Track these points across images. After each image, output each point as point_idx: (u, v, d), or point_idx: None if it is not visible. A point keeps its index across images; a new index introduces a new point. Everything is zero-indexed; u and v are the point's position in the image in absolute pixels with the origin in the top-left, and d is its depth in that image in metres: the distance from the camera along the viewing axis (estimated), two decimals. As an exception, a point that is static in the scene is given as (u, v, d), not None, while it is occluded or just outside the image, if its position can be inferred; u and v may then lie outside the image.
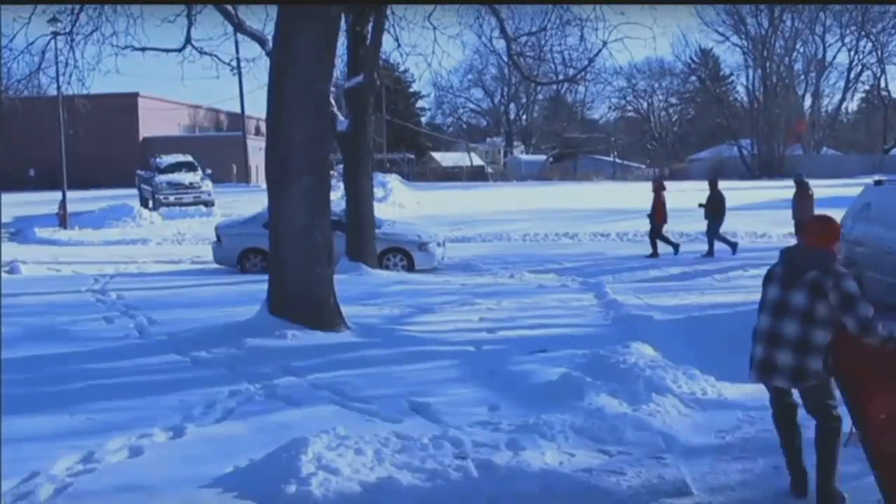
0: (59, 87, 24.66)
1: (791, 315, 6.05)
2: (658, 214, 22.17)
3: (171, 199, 37.71)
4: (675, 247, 22.19)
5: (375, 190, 24.01)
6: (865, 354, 5.95)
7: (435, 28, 19.39)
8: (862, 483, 6.51)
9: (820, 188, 42.48)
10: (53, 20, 19.81)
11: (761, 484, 6.74)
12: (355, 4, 17.13)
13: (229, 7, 18.46)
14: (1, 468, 6.73)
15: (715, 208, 21.88)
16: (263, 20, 18.72)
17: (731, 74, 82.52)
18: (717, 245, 21.89)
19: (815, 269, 6.01)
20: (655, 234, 22.22)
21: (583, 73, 24.53)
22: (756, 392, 9.11)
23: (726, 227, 22.67)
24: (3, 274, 19.62)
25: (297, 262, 12.16)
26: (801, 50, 73.08)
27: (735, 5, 69.39)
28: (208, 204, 37.47)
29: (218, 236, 20.95)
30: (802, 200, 21.53)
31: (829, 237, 6.26)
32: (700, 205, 22.21)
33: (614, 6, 17.98)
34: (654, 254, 21.96)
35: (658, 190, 22.57)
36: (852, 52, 73.46)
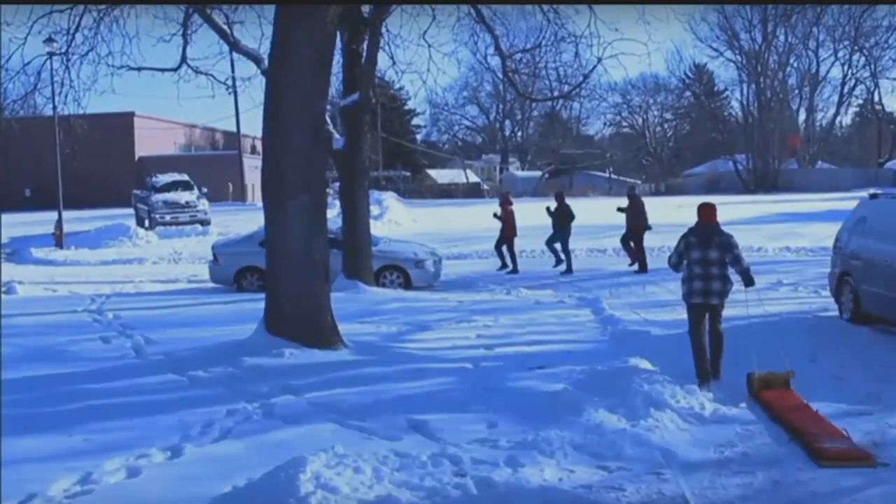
0: (54, 107, 24.65)
1: (713, 263, 10.28)
2: (509, 228, 23.08)
3: (168, 218, 37.71)
4: (504, 266, 22.96)
5: (371, 208, 24.01)
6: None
7: (430, 46, 19.41)
8: (861, 495, 6.54)
9: (816, 202, 42.80)
10: (49, 40, 19.80)
11: (760, 498, 6.73)
12: (351, 4, 17.13)
13: (225, 26, 18.51)
14: (1, 490, 6.72)
15: (562, 221, 22.69)
16: (259, 39, 18.70)
17: (726, 90, 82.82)
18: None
19: (718, 236, 10.34)
20: (500, 245, 23.16)
21: (578, 90, 24.58)
22: (755, 407, 9.15)
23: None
24: (0, 295, 19.58)
25: (295, 280, 12.15)
26: (795, 65, 73.33)
27: (728, 22, 69.83)
28: (205, 223, 37.48)
29: (214, 255, 20.92)
30: (635, 209, 22.48)
31: (716, 216, 10.53)
32: (548, 211, 23.05)
33: (609, 22, 18.02)
34: (513, 269, 22.77)
35: (505, 205, 23.55)
36: (845, 67, 73.73)
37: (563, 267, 22.37)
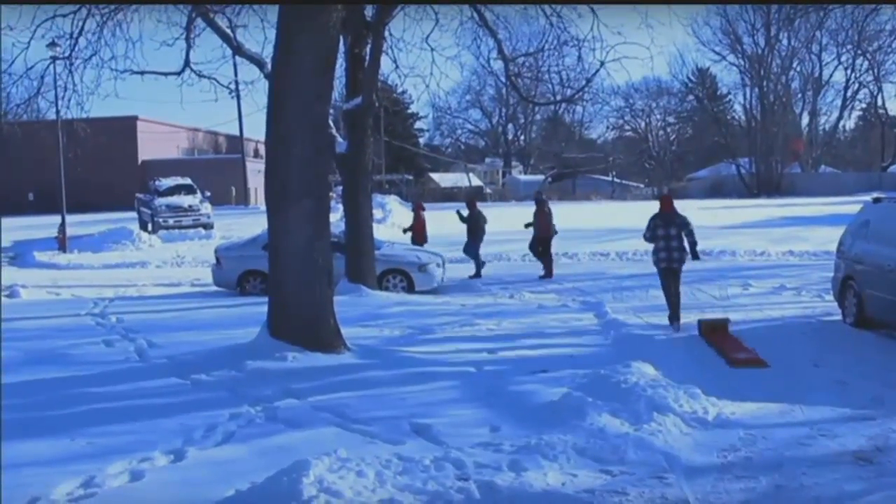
0: (58, 111, 24.71)
1: (673, 238, 14.46)
2: (419, 234, 23.95)
3: (171, 221, 37.75)
4: None
5: (374, 211, 24.07)
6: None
7: (433, 49, 19.45)
8: (865, 500, 6.54)
9: (819, 206, 42.80)
10: (52, 45, 19.89)
11: (764, 503, 6.71)
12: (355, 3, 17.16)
13: (228, 30, 18.54)
14: (1, 494, 6.71)
15: (474, 227, 23.25)
16: (262, 43, 18.87)
17: (729, 93, 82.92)
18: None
19: (678, 217, 14.57)
20: None
21: (580, 94, 24.54)
22: (758, 411, 9.15)
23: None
24: (2, 298, 19.59)
25: (297, 283, 12.15)
26: (798, 68, 73.36)
27: (731, 25, 69.85)
28: (207, 226, 37.50)
29: (217, 259, 20.93)
30: (541, 215, 22.90)
31: (672, 204, 14.91)
32: (460, 216, 23.68)
33: (612, 26, 18.04)
34: None
35: (418, 210, 24.41)
36: (849, 71, 73.76)
37: (473, 272, 22.89)
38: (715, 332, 13.37)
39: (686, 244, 14.66)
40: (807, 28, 69.13)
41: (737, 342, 12.82)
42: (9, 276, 25.03)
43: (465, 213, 23.62)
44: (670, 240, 14.51)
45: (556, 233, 22.85)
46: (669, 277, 14.65)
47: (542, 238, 22.63)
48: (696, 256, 14.88)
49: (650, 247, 24.73)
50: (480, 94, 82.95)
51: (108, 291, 21.29)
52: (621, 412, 8.68)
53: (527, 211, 27.37)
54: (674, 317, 14.52)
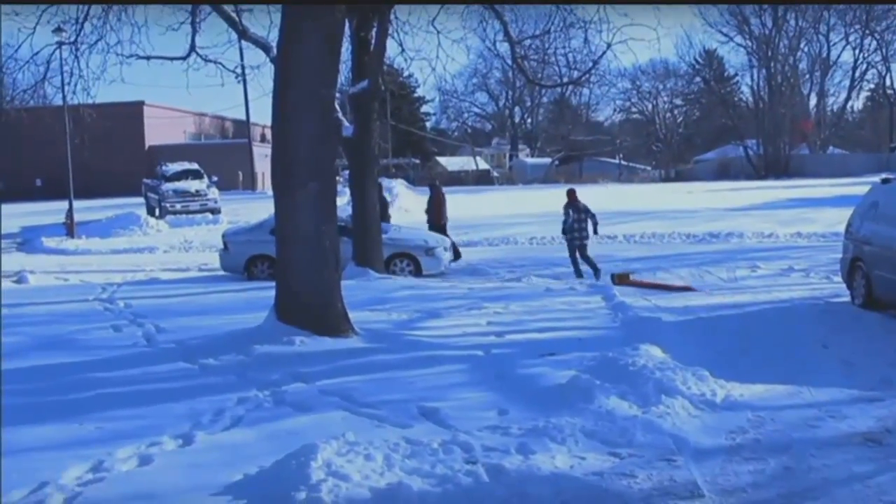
0: (64, 97, 24.68)
1: (583, 220, 19.30)
2: None
3: (178, 206, 37.78)
4: None
5: (381, 195, 24.06)
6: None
7: (439, 32, 19.31)
8: (874, 481, 6.53)
9: (827, 187, 42.70)
10: (58, 30, 19.80)
11: (773, 485, 6.71)
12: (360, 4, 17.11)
13: (233, 14, 18.46)
14: (1, 477, 6.74)
15: (382, 211, 23.21)
16: (267, 27, 18.65)
17: (736, 75, 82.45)
18: None
19: (582, 205, 19.51)
20: None
21: (587, 76, 24.36)
22: (766, 393, 9.15)
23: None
24: (11, 284, 19.64)
25: (305, 268, 12.14)
26: (806, 49, 73.06)
27: (738, 5, 69.48)
28: (215, 211, 37.55)
29: (225, 243, 20.94)
30: (436, 199, 23.38)
31: (576, 195, 19.86)
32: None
33: (618, 8, 17.89)
34: None
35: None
36: (857, 51, 73.43)
37: None
38: (624, 280, 17.57)
39: (589, 225, 19.21)
40: (814, 8, 68.74)
41: (658, 282, 17.68)
42: (17, 261, 25.12)
43: None
44: (581, 222, 19.23)
45: (445, 219, 23.28)
46: (581, 250, 19.28)
47: (435, 225, 22.84)
48: (596, 232, 19.56)
49: (658, 228, 25.30)
50: (487, 77, 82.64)
51: (115, 277, 21.32)
52: (629, 395, 8.68)
53: (534, 195, 27.37)
54: (580, 275, 19.00)
